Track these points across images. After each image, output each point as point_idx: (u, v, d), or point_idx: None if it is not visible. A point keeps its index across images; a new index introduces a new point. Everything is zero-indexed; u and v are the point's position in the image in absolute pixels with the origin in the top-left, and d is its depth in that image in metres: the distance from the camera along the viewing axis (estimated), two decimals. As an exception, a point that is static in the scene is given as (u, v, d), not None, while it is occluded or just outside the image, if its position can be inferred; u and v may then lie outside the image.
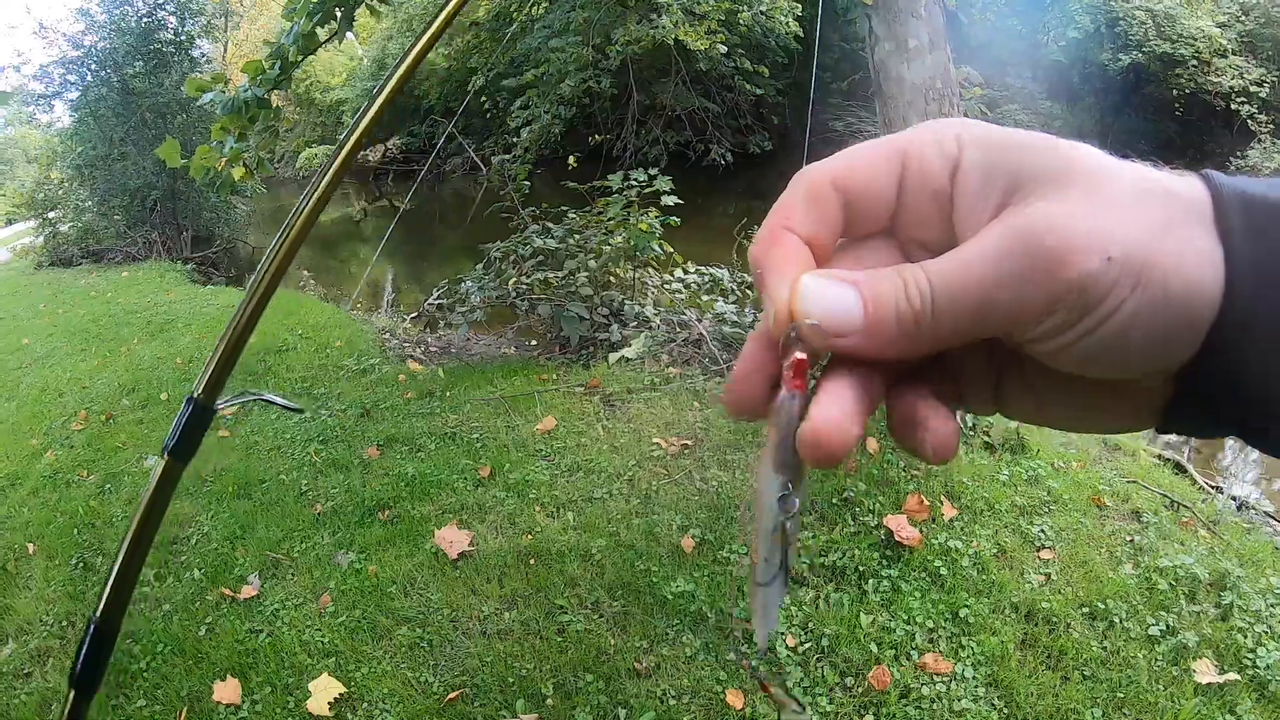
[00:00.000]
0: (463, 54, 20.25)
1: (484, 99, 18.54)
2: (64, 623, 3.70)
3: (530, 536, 3.95)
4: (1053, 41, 17.53)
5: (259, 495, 4.60)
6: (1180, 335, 0.36)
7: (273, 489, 4.65)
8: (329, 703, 3.01)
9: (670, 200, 6.13)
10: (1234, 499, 5.04)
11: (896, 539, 3.69)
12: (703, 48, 14.52)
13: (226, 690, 3.11)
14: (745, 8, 14.75)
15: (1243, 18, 17.17)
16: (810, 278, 0.39)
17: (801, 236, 0.41)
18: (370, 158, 26.39)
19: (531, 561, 3.75)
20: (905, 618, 3.32)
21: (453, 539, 3.91)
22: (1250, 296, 0.35)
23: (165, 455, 1.20)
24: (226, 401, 1.30)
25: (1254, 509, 5.07)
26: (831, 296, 0.38)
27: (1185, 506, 4.30)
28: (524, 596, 3.54)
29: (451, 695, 3.03)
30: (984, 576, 3.58)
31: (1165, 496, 4.40)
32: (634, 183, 6.30)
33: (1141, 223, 0.36)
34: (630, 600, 3.46)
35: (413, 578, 3.71)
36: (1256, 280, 0.35)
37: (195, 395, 1.21)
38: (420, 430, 5.17)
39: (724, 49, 14.68)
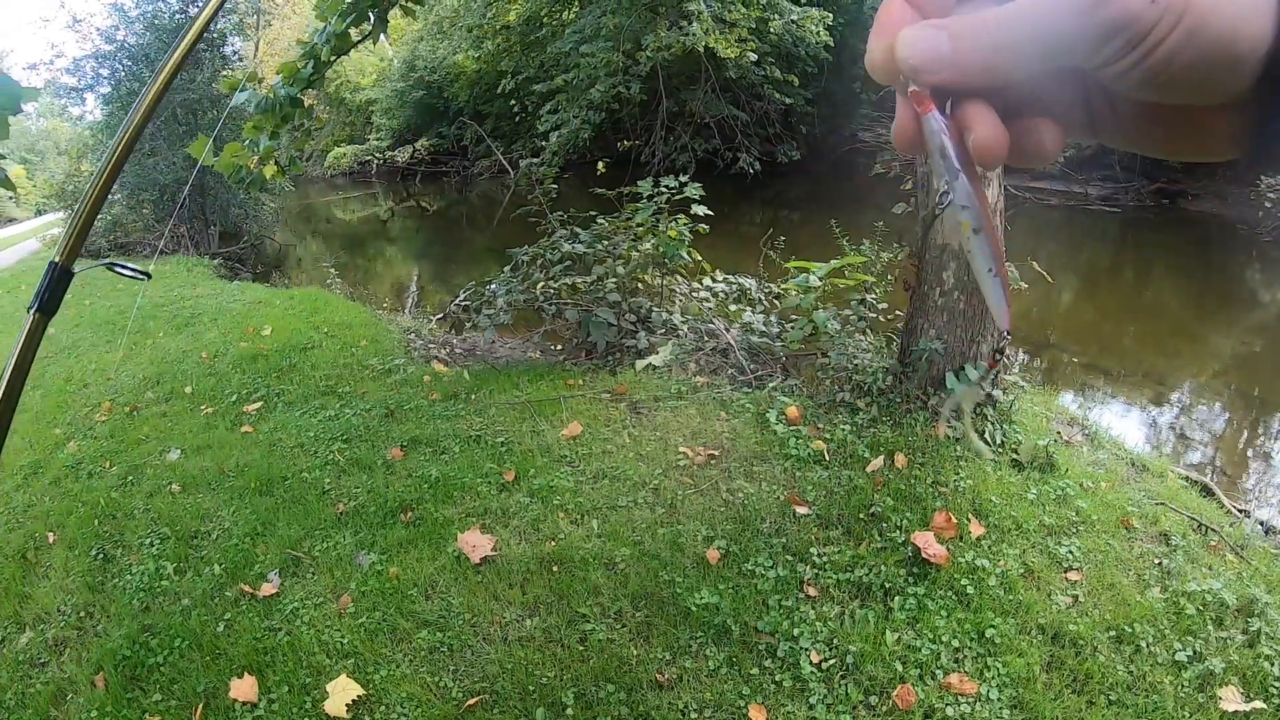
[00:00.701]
0: (493, 57, 20.32)
1: (513, 102, 18.63)
2: (82, 614, 3.69)
3: (554, 543, 3.91)
4: None
5: (281, 492, 4.59)
6: (1222, 71, 0.43)
7: (295, 486, 4.64)
8: (347, 705, 2.98)
9: (701, 210, 6.10)
10: (1261, 524, 4.98)
11: (923, 556, 3.64)
12: (733, 56, 14.53)
13: (243, 688, 3.09)
14: (776, 16, 14.75)
15: None
16: (907, 29, 0.47)
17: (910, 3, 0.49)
18: (398, 158, 26.56)
19: (554, 568, 3.72)
20: (931, 636, 3.28)
21: (475, 543, 3.88)
22: None
23: (33, 312, 1.43)
24: (84, 267, 1.57)
25: None
26: (924, 42, 0.47)
27: (1213, 530, 4.24)
28: (546, 604, 3.51)
29: (471, 701, 3.00)
30: (1011, 596, 3.52)
31: (1193, 519, 4.34)
32: (664, 189, 6.28)
33: None
34: (654, 611, 3.42)
35: (434, 581, 3.68)
36: None
37: (56, 260, 1.47)
38: (445, 432, 5.15)
39: (754, 57, 14.68)
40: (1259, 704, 3.01)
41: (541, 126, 14.98)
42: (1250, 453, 7.53)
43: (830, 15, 15.52)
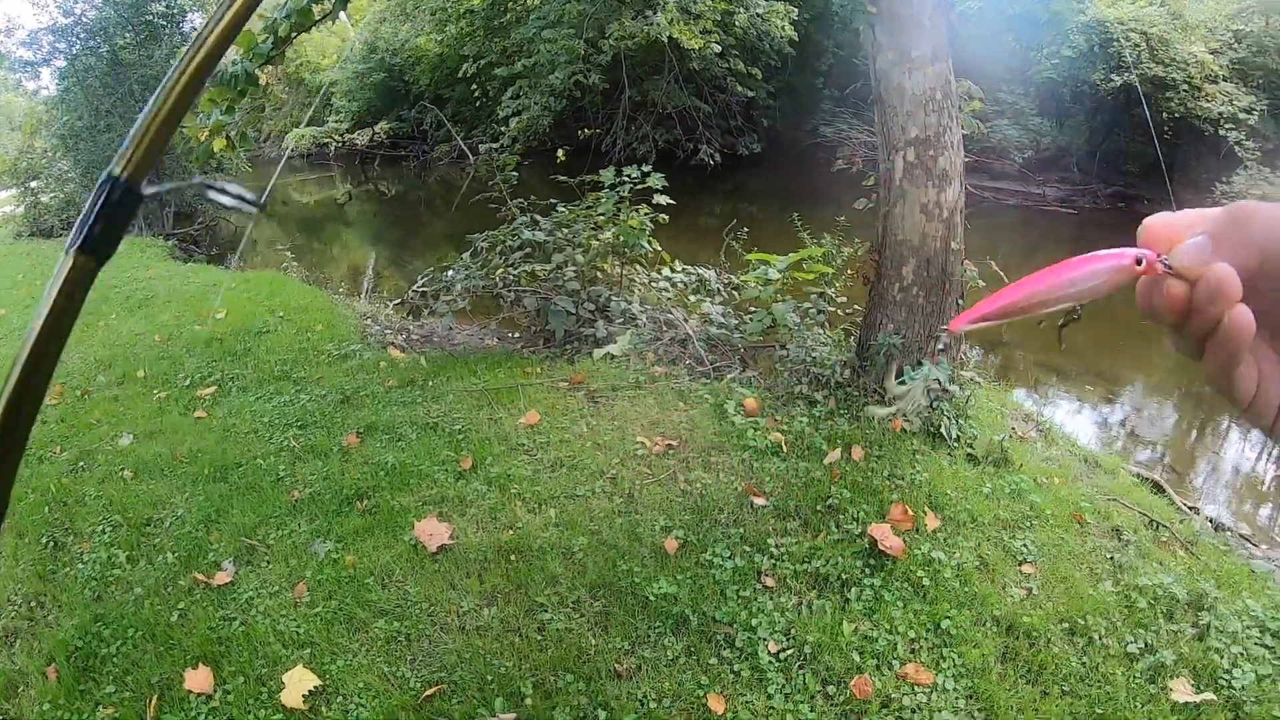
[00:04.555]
0: (456, 41, 20.15)
1: (474, 87, 18.49)
2: (33, 603, 3.63)
3: (511, 532, 3.90)
4: (1046, 59, 17.69)
5: (235, 479, 4.53)
6: None
7: (249, 473, 4.58)
8: (303, 695, 2.96)
9: (663, 199, 6.11)
10: (1210, 520, 5.08)
11: (880, 548, 3.68)
12: (697, 46, 14.51)
13: (198, 679, 3.06)
14: (741, 9, 14.75)
15: (1235, 45, 17.45)
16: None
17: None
18: (357, 141, 26.25)
19: (512, 557, 3.71)
20: (888, 627, 3.32)
21: (432, 531, 3.85)
22: None
23: (73, 251, 0.83)
24: (161, 187, 1.04)
25: (1230, 530, 5.11)
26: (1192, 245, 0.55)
27: (1164, 526, 4.33)
28: (504, 593, 3.50)
29: (429, 691, 2.99)
30: (966, 588, 3.57)
31: (1145, 515, 4.43)
32: (626, 179, 6.27)
33: None
34: (612, 600, 3.43)
35: (390, 570, 3.65)
36: None
37: (117, 173, 0.85)
38: (401, 419, 5.11)
39: (718, 49, 14.66)
40: (1209, 695, 3.07)
41: (502, 112, 14.88)
42: (1199, 452, 7.69)
43: (795, 10, 15.54)
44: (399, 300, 8.59)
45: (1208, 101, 16.47)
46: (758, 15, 15.07)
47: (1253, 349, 0.55)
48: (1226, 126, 16.10)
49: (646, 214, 6.17)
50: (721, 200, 13.90)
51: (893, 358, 4.84)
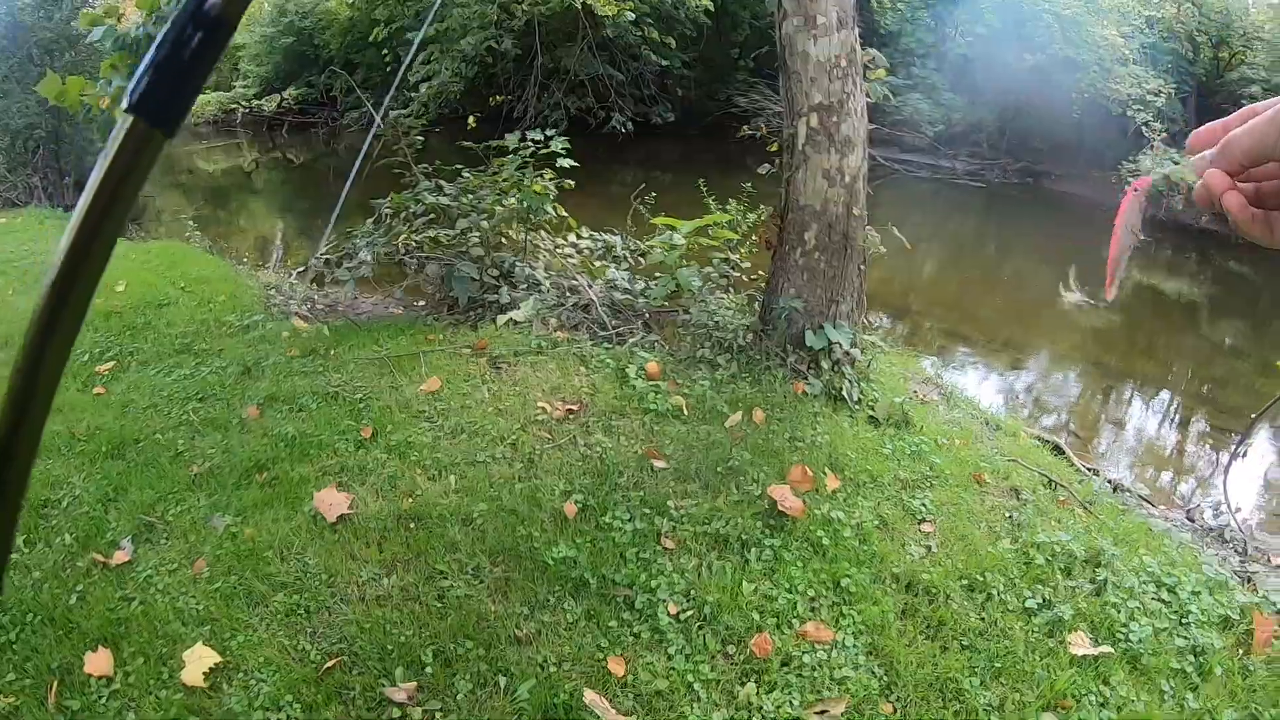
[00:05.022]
0: (367, 4, 19.71)
1: (385, 52, 18.12)
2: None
3: (411, 500, 3.88)
4: (960, 35, 18.04)
5: (133, 455, 4.41)
6: None
7: (148, 449, 4.46)
8: (204, 673, 2.90)
9: (566, 163, 6.07)
10: (1110, 482, 5.25)
11: (780, 509, 3.74)
12: (611, 14, 14.40)
13: (98, 661, 2.98)
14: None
15: (1146, 30, 18.07)
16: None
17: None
18: (265, 108, 25.59)
19: (411, 525, 3.68)
20: (787, 586, 3.38)
21: (332, 501, 3.80)
22: None
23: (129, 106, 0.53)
24: None
25: (1129, 491, 5.29)
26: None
27: (1063, 486, 4.47)
28: (404, 561, 3.48)
29: (330, 663, 2.96)
30: (866, 547, 3.66)
31: (1044, 475, 4.56)
32: (530, 143, 6.21)
33: None
34: (511, 566, 3.44)
35: (290, 542, 3.60)
36: None
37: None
38: (302, 389, 5.02)
39: (632, 17, 14.55)
40: (1107, 648, 3.21)
41: (412, 77, 14.61)
42: (1102, 417, 7.94)
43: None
44: (303, 269, 8.41)
45: (1116, 83, 16.90)
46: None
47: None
48: (1135, 108, 16.59)
49: (551, 179, 6.13)
50: (634, 168, 13.86)
51: (794, 321, 4.90)
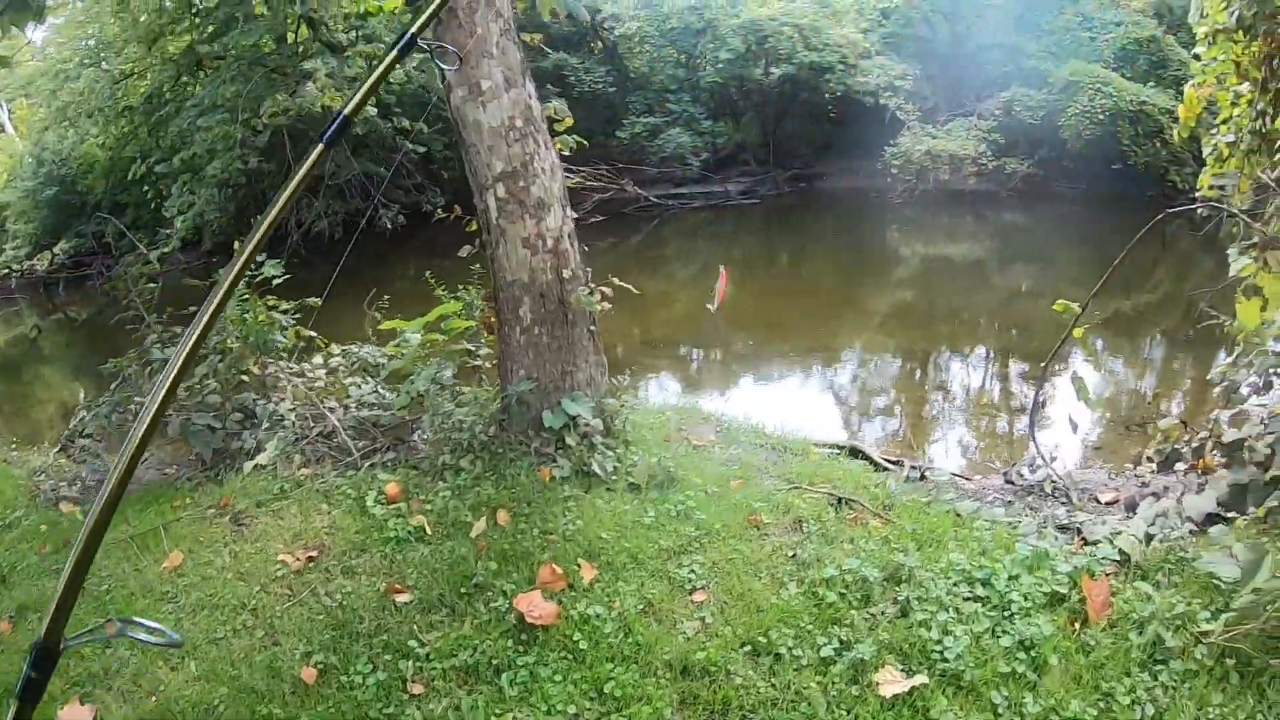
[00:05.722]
0: (119, 142, 18.90)
1: (146, 188, 17.40)
2: None
3: (155, 699, 3.46)
4: (708, 64, 18.76)
5: None
6: None
7: None
8: None
9: (272, 274, 5.71)
10: (916, 468, 5.16)
11: (528, 620, 3.47)
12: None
13: None
14: (397, 66, 14.42)
15: (884, 22, 19.66)
16: None
17: None
18: (38, 267, 24.23)
19: (156, 729, 3.27)
20: (545, 708, 3.11)
21: (76, 718, 3.38)
22: None
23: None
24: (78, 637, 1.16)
25: (938, 471, 5.22)
26: None
27: (853, 501, 4.30)
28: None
29: None
30: (630, 640, 3.41)
31: (831, 495, 4.39)
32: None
33: None
34: (248, 759, 3.07)
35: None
36: None
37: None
38: (51, 591, 4.52)
39: (373, 110, 14.28)
40: (921, 678, 2.99)
41: (168, 212, 14.00)
42: (920, 398, 7.99)
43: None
44: (59, 446, 7.78)
45: (864, 76, 18.26)
46: (416, 70, 14.81)
47: None
48: (885, 95, 17.94)
49: (276, 306, 5.78)
50: (415, 259, 13.47)
51: (529, 404, 4.67)
